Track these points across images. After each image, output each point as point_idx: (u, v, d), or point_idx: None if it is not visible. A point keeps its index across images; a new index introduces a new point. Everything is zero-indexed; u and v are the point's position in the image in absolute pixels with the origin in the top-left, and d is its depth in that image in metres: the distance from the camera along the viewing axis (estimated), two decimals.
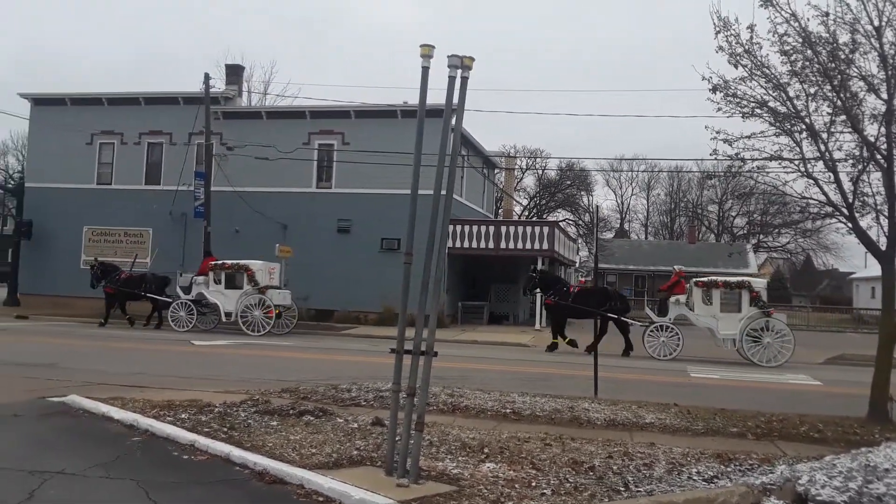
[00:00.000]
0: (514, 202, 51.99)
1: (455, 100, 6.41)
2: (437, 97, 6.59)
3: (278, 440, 7.05)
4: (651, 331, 18.72)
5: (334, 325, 25.31)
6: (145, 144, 29.91)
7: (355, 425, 7.81)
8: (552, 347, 19.25)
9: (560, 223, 37.08)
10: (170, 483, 5.82)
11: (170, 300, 22.75)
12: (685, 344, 18.45)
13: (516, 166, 53.31)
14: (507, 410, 9.08)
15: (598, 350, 12.37)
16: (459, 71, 6.35)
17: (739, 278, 19.65)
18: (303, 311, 26.76)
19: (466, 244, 27.49)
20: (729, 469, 6.56)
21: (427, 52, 6.35)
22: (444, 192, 6.31)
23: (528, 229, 28.21)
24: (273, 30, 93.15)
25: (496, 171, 41.29)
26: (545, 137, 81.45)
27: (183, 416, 7.96)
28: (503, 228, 28.25)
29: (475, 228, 27.93)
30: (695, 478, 6.27)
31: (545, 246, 27.38)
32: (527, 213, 59.97)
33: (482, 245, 27.60)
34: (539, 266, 22.96)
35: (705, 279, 19.46)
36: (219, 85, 29.95)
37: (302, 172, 27.86)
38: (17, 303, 28.98)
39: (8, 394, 9.45)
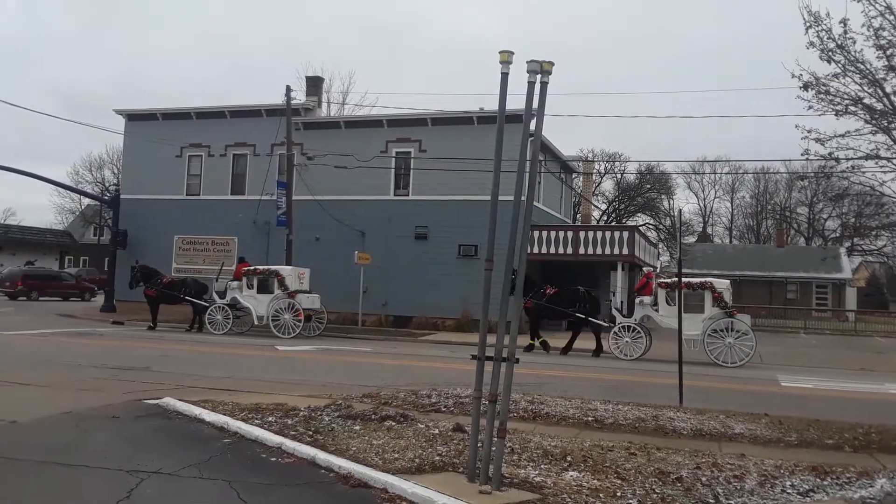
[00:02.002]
0: (593, 207, 51.31)
1: (535, 105, 6.37)
2: (515, 103, 6.58)
3: (361, 444, 7.15)
4: (616, 331, 19.18)
5: (413, 331, 25.54)
6: (231, 156, 31.02)
7: (436, 431, 7.84)
8: (528, 348, 19.62)
9: (640, 227, 36.38)
10: (259, 484, 5.99)
11: (207, 304, 23.67)
12: (654, 345, 19.05)
13: (594, 171, 52.62)
14: (589, 418, 8.94)
15: (681, 357, 12.03)
16: (539, 76, 6.32)
17: (702, 279, 19.65)
18: (381, 318, 27.20)
19: (545, 250, 27.30)
20: (825, 482, 6.27)
21: (506, 58, 6.33)
22: (524, 199, 6.28)
23: (608, 234, 27.77)
24: (351, 40, 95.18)
25: (574, 175, 40.89)
26: (624, 140, 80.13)
27: (270, 419, 8.19)
28: (582, 234, 27.90)
29: (553, 234, 27.70)
30: (789, 491, 6.03)
31: (625, 251, 26.90)
32: (605, 218, 59.12)
33: (561, 251, 27.34)
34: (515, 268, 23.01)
35: (668, 280, 19.44)
36: (299, 97, 30.78)
37: (380, 180, 28.31)
38: (113, 309, 30.44)
39: (107, 396, 9.94)
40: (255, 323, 23.00)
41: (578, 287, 20.57)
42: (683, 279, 20.29)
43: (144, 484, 5.84)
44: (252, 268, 23.48)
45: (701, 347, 18.14)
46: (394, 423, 8.18)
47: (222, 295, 23.51)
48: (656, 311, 19.01)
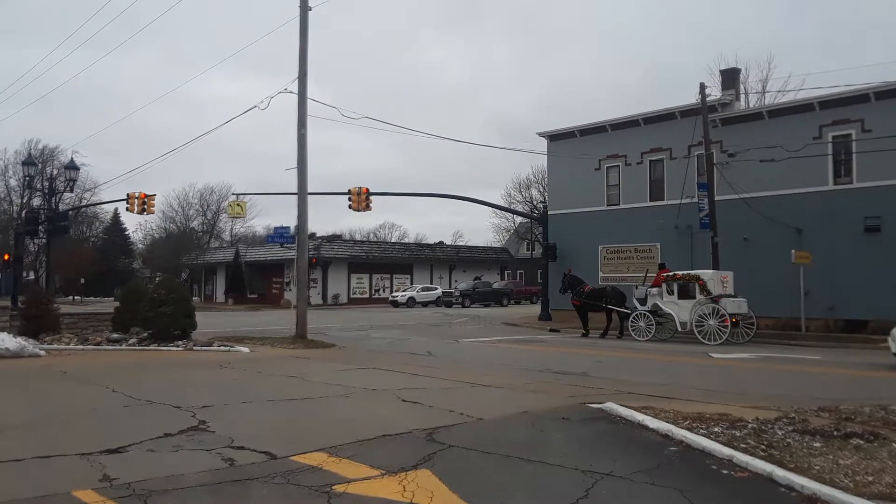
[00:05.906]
0: None
1: None
2: None
3: (825, 463, 6.40)
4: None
5: (870, 336, 22.30)
6: (647, 163, 31.19)
7: None
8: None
9: None
10: (711, 496, 5.74)
11: (629, 311, 23.95)
12: None
13: None
14: None
15: None
16: None
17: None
18: (828, 322, 24.46)
19: None
20: None
21: None
22: None
23: None
24: (767, 23, 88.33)
25: None
26: None
27: (716, 429, 7.84)
28: None
29: None
30: None
31: None
32: None
33: None
34: None
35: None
36: (714, 92, 29.61)
37: (815, 170, 25.58)
38: (549, 317, 32.86)
39: (554, 399, 10.65)
40: (679, 329, 22.73)
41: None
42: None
43: (599, 485, 6.04)
44: (672, 273, 23.32)
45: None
46: (861, 442, 7.16)
47: (643, 302, 23.80)
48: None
